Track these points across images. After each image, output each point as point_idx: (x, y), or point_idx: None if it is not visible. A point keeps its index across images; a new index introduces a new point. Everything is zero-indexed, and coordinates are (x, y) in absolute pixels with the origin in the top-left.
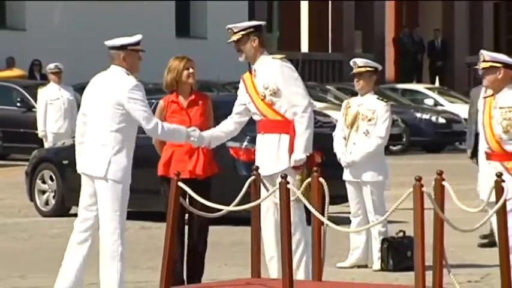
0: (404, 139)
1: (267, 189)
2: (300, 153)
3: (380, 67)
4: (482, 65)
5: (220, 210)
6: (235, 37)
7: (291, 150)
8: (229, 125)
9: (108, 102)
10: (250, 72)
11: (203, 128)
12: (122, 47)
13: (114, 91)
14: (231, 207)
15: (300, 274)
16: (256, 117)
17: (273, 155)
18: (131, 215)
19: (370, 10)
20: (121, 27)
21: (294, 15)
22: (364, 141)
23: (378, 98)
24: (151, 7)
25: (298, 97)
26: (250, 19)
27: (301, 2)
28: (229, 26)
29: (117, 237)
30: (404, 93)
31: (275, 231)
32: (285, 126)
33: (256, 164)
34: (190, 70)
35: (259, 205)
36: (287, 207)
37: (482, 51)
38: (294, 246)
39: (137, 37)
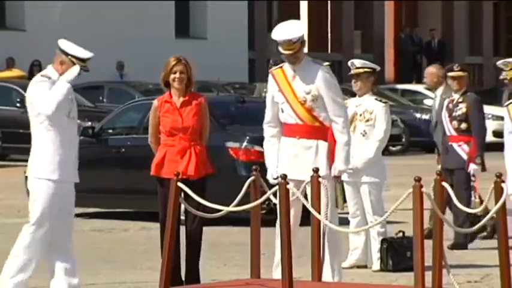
0: (403, 139)
1: (295, 194)
2: (343, 165)
3: (378, 68)
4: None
5: (219, 210)
6: (296, 47)
7: (329, 158)
8: (276, 142)
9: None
10: (283, 71)
11: (196, 128)
12: (66, 53)
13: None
14: (231, 208)
15: (328, 274)
16: (288, 120)
17: (310, 161)
18: (131, 216)
19: (369, 10)
20: (121, 28)
21: (294, 16)
22: (361, 142)
23: (376, 99)
24: (151, 8)
25: (338, 106)
26: (250, 20)
27: (301, 1)
28: (288, 37)
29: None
30: (403, 93)
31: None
32: (323, 132)
33: (285, 167)
34: (177, 75)
35: (258, 205)
36: (286, 208)
37: None
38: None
39: (88, 54)
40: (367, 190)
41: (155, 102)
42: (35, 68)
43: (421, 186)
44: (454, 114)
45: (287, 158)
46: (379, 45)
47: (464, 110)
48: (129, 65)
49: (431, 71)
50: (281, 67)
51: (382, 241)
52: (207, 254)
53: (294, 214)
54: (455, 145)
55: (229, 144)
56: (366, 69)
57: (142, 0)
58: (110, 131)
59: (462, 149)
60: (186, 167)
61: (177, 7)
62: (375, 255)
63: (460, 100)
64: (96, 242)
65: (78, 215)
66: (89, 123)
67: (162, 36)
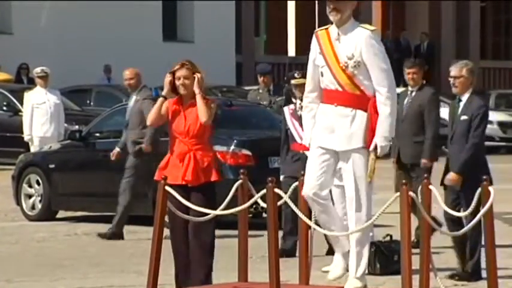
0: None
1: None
2: (384, 139)
3: None
4: None
5: (207, 214)
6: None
7: (368, 130)
8: (316, 108)
9: None
10: (328, 33)
11: (199, 133)
12: None
13: None
14: (218, 212)
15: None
16: (328, 86)
17: (347, 130)
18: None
19: (356, 14)
20: (108, 31)
21: (281, 19)
22: None
23: None
24: (138, 11)
25: (383, 75)
26: (237, 23)
27: (288, 2)
28: None
29: None
30: None
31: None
32: (363, 102)
33: (319, 136)
34: (181, 81)
35: (246, 209)
36: (274, 210)
37: None
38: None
39: None
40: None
41: (168, 101)
42: (22, 71)
43: (408, 190)
44: None
45: (322, 126)
46: None
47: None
48: (116, 69)
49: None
50: (327, 28)
51: (370, 244)
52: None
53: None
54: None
55: (217, 147)
56: None
57: (130, 1)
58: (97, 134)
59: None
60: (184, 173)
61: (164, 10)
62: None
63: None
64: (84, 246)
65: (65, 219)
66: (76, 126)
67: (149, 39)
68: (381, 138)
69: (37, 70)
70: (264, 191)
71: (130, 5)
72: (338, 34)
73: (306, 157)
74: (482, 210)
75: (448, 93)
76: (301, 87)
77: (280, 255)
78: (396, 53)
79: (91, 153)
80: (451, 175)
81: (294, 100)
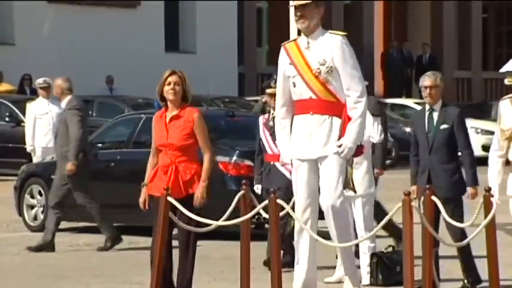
0: (393, 153)
1: (307, 175)
2: (352, 141)
3: (366, 83)
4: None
5: (209, 224)
6: (303, 1)
7: (341, 135)
8: (288, 124)
9: None
10: (296, 44)
11: (183, 145)
12: None
13: None
14: (220, 222)
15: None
16: (301, 95)
17: (322, 138)
18: (121, 230)
19: (358, 24)
20: (110, 42)
21: (283, 29)
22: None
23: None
24: (141, 21)
25: (354, 80)
26: (239, 34)
27: (290, 12)
28: None
29: None
30: (393, 107)
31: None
32: (337, 108)
33: (298, 147)
34: (171, 86)
35: (248, 220)
36: (276, 221)
37: None
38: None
39: None
40: (360, 204)
41: (154, 117)
42: (25, 82)
43: (411, 200)
44: None
45: (300, 137)
46: (368, 60)
47: None
48: (118, 79)
49: (58, 83)
50: (295, 40)
51: (372, 255)
52: (197, 268)
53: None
54: (278, 164)
55: (219, 158)
56: None
57: (132, 12)
58: (100, 145)
59: (286, 169)
60: (167, 185)
61: (166, 21)
62: (365, 269)
63: None
64: (86, 257)
65: (68, 229)
66: None
67: (151, 50)
68: (349, 141)
69: (39, 81)
70: (266, 201)
71: (132, 15)
72: (308, 43)
73: (276, 168)
74: (485, 221)
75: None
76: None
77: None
78: (399, 63)
79: (93, 164)
80: (471, 190)
81: (269, 109)
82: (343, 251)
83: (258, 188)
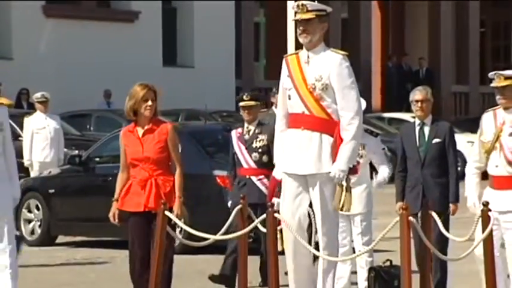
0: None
1: (303, 189)
2: (344, 164)
3: (364, 104)
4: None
5: (206, 239)
6: (307, 15)
7: (333, 156)
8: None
9: None
10: (297, 57)
11: (159, 158)
12: None
13: None
14: (218, 236)
15: None
16: (294, 109)
17: (313, 155)
18: (117, 245)
19: (356, 39)
20: (108, 56)
21: (280, 43)
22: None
23: (366, 131)
24: (138, 36)
25: (350, 100)
26: (237, 48)
27: (288, 26)
28: (303, 2)
29: None
30: (390, 122)
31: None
32: (329, 126)
33: (288, 162)
34: (149, 102)
35: (245, 234)
36: (273, 234)
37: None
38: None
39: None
40: (359, 220)
41: (120, 134)
42: (22, 96)
43: (408, 215)
44: (253, 145)
45: (289, 152)
46: (366, 74)
47: (265, 141)
48: (116, 93)
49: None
50: (297, 53)
51: (370, 270)
52: (195, 283)
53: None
54: (254, 179)
55: (217, 172)
56: None
57: (130, 26)
58: (97, 159)
59: (262, 183)
60: (147, 199)
61: (164, 35)
62: (362, 284)
63: (258, 131)
64: (83, 272)
65: (65, 244)
66: (76, 151)
67: (149, 64)
68: (341, 164)
69: (37, 95)
70: (264, 215)
71: (130, 30)
72: (308, 57)
73: (252, 182)
74: (483, 236)
75: (448, 118)
76: (250, 109)
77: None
78: (399, 77)
79: (90, 178)
80: (452, 207)
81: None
82: (325, 270)
83: (229, 204)
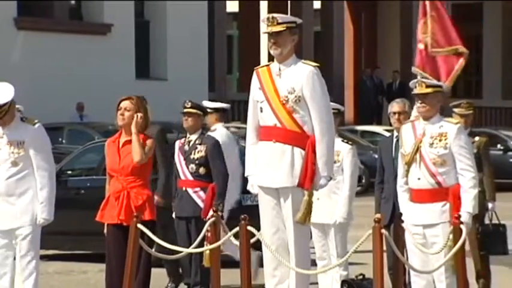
0: (363, 180)
1: (273, 202)
2: (323, 178)
3: (342, 108)
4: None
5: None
6: (277, 28)
7: (303, 169)
8: (254, 150)
9: None
10: (269, 69)
11: (135, 170)
12: None
13: None
14: (190, 250)
15: None
16: (266, 122)
17: (285, 168)
18: (90, 258)
19: (329, 52)
20: (81, 68)
21: (254, 56)
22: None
23: (343, 141)
24: (111, 48)
25: (322, 112)
26: (210, 61)
27: (261, 39)
28: (274, 15)
29: None
30: (363, 134)
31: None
32: (301, 139)
33: (260, 174)
34: (121, 111)
35: (218, 247)
36: (247, 248)
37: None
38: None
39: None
40: (333, 232)
41: (105, 144)
42: None
43: (381, 228)
44: (191, 156)
45: (261, 165)
46: (338, 87)
47: (203, 153)
48: (88, 106)
49: None
50: (268, 65)
51: (343, 282)
52: None
53: (275, 231)
54: (190, 191)
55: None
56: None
57: (102, 39)
58: (69, 172)
59: (198, 196)
60: (119, 212)
61: (137, 48)
62: None
63: (198, 142)
64: (56, 285)
65: None
66: None
67: (122, 77)
68: (324, 171)
69: None
70: (237, 228)
71: (103, 42)
72: (279, 69)
73: (188, 194)
74: (454, 249)
75: None
76: (189, 116)
77: None
78: (371, 90)
79: (63, 191)
80: None
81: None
82: (298, 282)
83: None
